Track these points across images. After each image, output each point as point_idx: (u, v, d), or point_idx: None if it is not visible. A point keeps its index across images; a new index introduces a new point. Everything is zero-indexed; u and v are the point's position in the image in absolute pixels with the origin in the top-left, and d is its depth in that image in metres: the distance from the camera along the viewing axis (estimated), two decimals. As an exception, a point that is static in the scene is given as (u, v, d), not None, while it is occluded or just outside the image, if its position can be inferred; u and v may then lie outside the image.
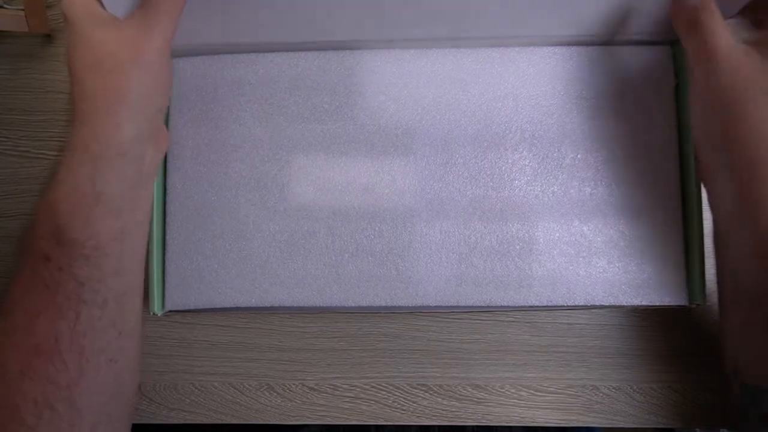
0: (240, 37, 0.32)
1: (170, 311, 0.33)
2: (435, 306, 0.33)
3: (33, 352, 0.24)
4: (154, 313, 0.32)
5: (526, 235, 0.33)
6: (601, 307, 0.32)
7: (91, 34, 0.25)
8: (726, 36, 0.25)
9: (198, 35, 0.31)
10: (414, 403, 0.35)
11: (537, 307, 0.33)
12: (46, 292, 0.24)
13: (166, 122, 0.33)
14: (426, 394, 0.36)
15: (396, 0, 0.29)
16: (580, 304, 0.32)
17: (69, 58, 0.25)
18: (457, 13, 0.30)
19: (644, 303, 0.32)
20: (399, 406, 0.35)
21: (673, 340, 0.35)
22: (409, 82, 0.33)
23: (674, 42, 0.33)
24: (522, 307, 0.33)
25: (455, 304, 0.33)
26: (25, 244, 0.25)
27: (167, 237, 0.33)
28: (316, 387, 0.36)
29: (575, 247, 0.33)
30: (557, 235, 0.33)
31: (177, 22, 0.26)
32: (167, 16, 0.26)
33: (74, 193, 0.24)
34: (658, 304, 0.32)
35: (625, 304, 0.32)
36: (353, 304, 0.33)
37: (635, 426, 0.35)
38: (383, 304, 0.33)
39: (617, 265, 0.32)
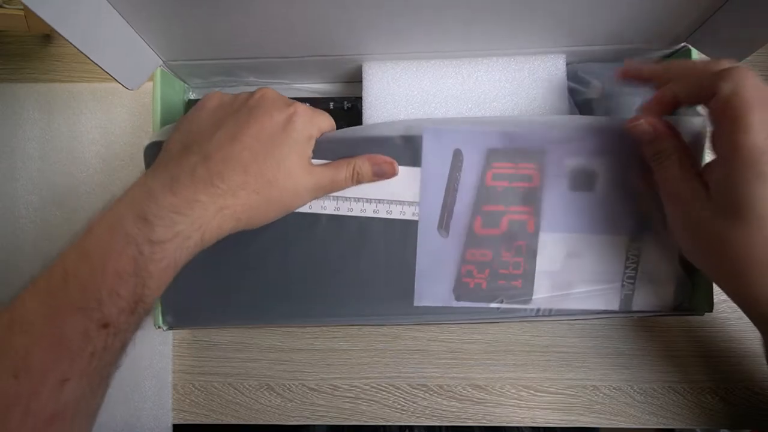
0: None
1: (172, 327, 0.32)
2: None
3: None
4: (158, 326, 0.31)
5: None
6: (614, 315, 0.32)
7: (291, 150, 0.26)
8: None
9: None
10: (414, 403, 0.35)
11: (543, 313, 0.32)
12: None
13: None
14: (426, 394, 0.36)
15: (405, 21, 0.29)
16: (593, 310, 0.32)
17: (248, 134, 0.25)
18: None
19: (654, 311, 0.32)
20: (399, 406, 0.35)
21: (673, 340, 0.35)
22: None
23: (665, 57, 0.33)
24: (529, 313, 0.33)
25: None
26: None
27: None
28: (316, 387, 0.36)
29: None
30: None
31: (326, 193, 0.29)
32: (329, 193, 0.29)
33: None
34: (669, 313, 0.32)
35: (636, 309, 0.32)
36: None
37: (636, 426, 0.35)
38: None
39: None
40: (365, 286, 0.30)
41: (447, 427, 0.36)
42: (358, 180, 0.28)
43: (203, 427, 0.37)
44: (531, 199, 0.30)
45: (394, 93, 0.32)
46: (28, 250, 0.38)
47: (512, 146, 0.29)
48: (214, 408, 0.36)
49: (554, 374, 0.35)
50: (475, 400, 0.35)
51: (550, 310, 0.30)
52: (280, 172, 0.25)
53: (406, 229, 0.30)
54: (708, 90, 0.23)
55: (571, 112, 0.32)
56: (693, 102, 0.25)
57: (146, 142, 0.30)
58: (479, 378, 0.36)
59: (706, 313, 0.30)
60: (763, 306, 0.23)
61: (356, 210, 0.30)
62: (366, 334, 0.36)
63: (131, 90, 0.29)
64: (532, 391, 0.35)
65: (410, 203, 0.30)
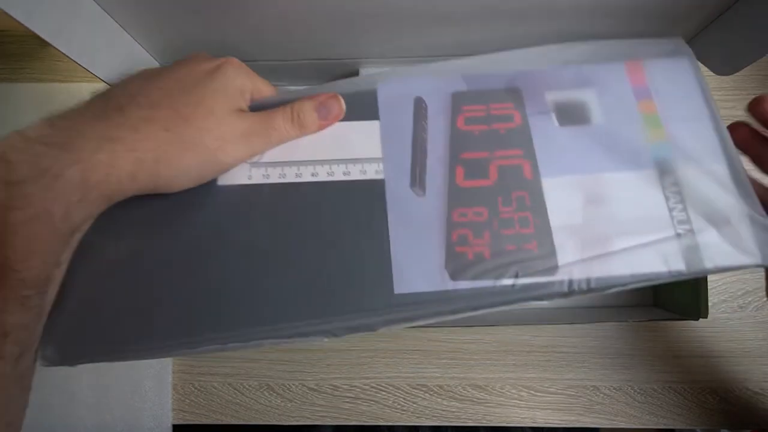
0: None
1: None
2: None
3: None
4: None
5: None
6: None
7: (216, 93, 0.22)
8: None
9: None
10: (414, 403, 0.35)
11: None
12: None
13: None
14: (426, 394, 0.36)
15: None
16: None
17: (168, 76, 0.22)
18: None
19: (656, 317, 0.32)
20: (399, 406, 0.35)
21: (673, 341, 0.35)
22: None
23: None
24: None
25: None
26: None
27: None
28: (316, 387, 0.36)
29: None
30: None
31: (264, 150, 0.24)
32: (266, 144, 0.24)
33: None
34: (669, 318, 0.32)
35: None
36: None
37: (636, 426, 0.35)
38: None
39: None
40: (324, 278, 0.23)
41: (450, 427, 0.36)
42: (300, 125, 0.24)
43: (203, 427, 0.37)
44: (518, 140, 0.25)
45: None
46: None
47: (479, 88, 0.26)
48: (214, 408, 0.36)
49: (554, 374, 0.35)
50: (475, 400, 0.35)
51: (589, 281, 0.22)
52: (198, 109, 0.21)
53: (371, 191, 0.24)
54: None
55: None
56: None
57: None
58: (479, 378, 0.36)
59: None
60: None
61: (306, 175, 0.24)
62: (366, 334, 0.36)
63: None
64: (532, 392, 0.35)
65: (371, 160, 0.24)
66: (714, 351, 0.35)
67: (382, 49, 0.31)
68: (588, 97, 0.26)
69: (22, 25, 0.21)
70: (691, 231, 0.23)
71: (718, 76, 0.30)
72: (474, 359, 0.36)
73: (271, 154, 0.24)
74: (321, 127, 0.25)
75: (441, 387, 0.36)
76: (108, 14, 0.26)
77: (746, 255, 0.23)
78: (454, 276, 0.23)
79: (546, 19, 0.29)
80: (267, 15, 0.27)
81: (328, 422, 0.36)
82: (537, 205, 0.24)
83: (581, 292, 0.23)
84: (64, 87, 0.38)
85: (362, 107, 0.25)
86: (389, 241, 0.23)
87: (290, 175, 0.24)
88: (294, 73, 0.34)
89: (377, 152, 0.25)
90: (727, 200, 0.24)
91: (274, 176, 0.24)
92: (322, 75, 0.35)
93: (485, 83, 0.26)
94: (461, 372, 0.36)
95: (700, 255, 0.23)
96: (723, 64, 0.29)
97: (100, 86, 0.41)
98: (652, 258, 0.23)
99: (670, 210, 0.24)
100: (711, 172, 0.24)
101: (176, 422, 0.36)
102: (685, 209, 0.24)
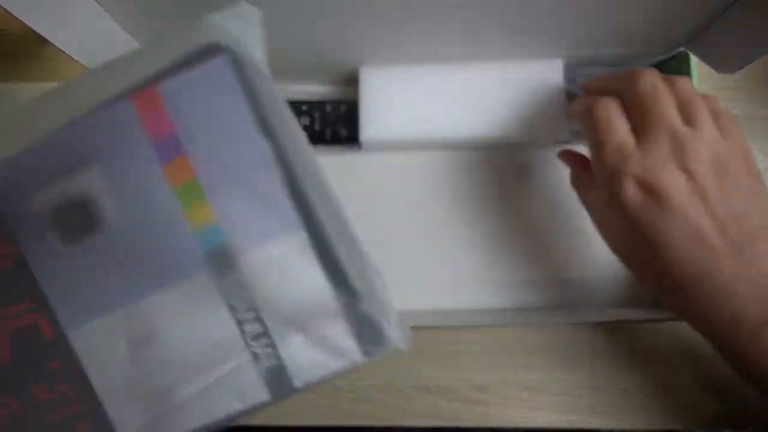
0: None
1: None
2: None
3: None
4: None
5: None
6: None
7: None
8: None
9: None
10: (414, 404, 0.35)
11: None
12: None
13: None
14: (426, 395, 0.35)
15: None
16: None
17: None
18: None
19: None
20: (399, 406, 0.35)
21: (674, 340, 0.35)
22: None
23: (663, 62, 0.33)
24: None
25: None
26: None
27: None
28: (315, 388, 0.36)
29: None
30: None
31: None
32: None
33: None
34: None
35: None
36: None
37: (637, 427, 0.35)
38: None
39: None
40: None
41: (451, 428, 0.36)
42: None
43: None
44: (22, 285, 0.18)
45: (391, 98, 0.32)
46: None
47: None
48: (214, 409, 0.36)
49: (556, 375, 0.35)
50: (476, 401, 0.35)
51: None
52: None
53: None
54: None
55: (570, 119, 0.32)
56: None
57: None
58: (480, 379, 0.35)
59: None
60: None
61: None
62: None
63: None
64: (533, 392, 0.35)
65: None
66: (713, 351, 0.35)
67: (382, 50, 0.31)
68: (91, 180, 0.17)
69: (21, 23, 0.21)
70: (271, 346, 0.18)
71: (720, 75, 0.29)
72: (474, 360, 0.35)
73: None
74: None
75: (441, 388, 0.35)
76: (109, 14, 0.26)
77: (343, 358, 0.19)
78: None
79: (548, 21, 0.28)
80: (267, 14, 0.27)
81: (328, 423, 0.35)
82: (72, 371, 0.18)
83: None
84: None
85: None
86: None
87: None
88: (293, 72, 0.34)
89: None
90: (313, 289, 0.18)
91: None
92: (322, 74, 0.35)
93: None
94: (462, 373, 0.35)
95: (287, 376, 0.18)
96: (725, 63, 0.29)
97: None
98: (227, 397, 0.18)
99: (240, 324, 0.18)
100: (285, 253, 0.17)
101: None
102: (259, 318, 0.18)
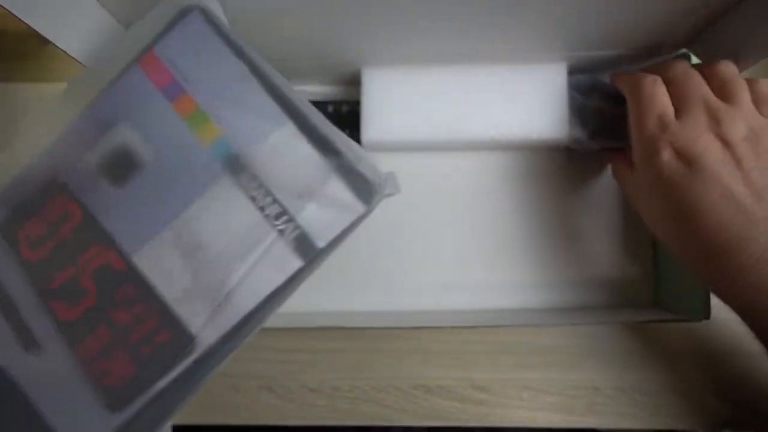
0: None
1: None
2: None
3: None
4: None
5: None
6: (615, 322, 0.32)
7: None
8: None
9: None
10: (414, 404, 0.35)
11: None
12: None
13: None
14: (426, 394, 0.35)
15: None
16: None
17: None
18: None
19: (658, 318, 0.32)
20: (399, 407, 0.35)
21: (674, 340, 0.35)
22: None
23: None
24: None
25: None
26: None
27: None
28: (316, 388, 0.36)
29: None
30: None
31: None
32: None
33: None
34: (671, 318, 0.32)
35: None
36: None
37: (638, 427, 0.35)
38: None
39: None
40: None
41: (451, 427, 0.36)
42: None
43: (203, 428, 0.36)
44: (90, 232, 0.22)
45: (394, 99, 0.32)
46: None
47: (18, 201, 0.23)
48: (214, 408, 0.36)
49: (555, 375, 0.35)
50: (476, 400, 0.35)
51: (226, 336, 0.22)
52: None
53: None
54: None
55: (572, 122, 0.32)
56: None
57: None
58: (480, 378, 0.35)
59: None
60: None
61: None
62: (366, 335, 0.36)
63: None
64: (533, 392, 0.35)
65: None
66: (716, 351, 0.35)
67: (385, 51, 0.31)
68: (124, 134, 0.22)
69: (21, 23, 0.21)
70: (291, 220, 0.21)
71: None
72: (474, 359, 0.35)
73: None
74: None
75: (441, 387, 0.35)
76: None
77: (349, 211, 0.21)
78: (114, 408, 0.21)
79: (550, 23, 0.28)
80: (268, 15, 0.27)
81: (328, 423, 0.35)
82: (143, 291, 0.21)
83: (229, 351, 0.22)
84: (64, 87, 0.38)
85: None
86: (43, 416, 0.21)
87: None
88: (295, 72, 0.34)
89: None
90: (309, 163, 0.21)
91: None
92: (324, 74, 0.34)
93: (17, 193, 0.23)
94: (462, 372, 0.35)
95: (310, 239, 0.21)
96: None
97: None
98: (268, 272, 0.21)
99: (262, 210, 0.21)
100: (281, 143, 0.21)
101: (176, 423, 0.36)
102: (275, 200, 0.21)
